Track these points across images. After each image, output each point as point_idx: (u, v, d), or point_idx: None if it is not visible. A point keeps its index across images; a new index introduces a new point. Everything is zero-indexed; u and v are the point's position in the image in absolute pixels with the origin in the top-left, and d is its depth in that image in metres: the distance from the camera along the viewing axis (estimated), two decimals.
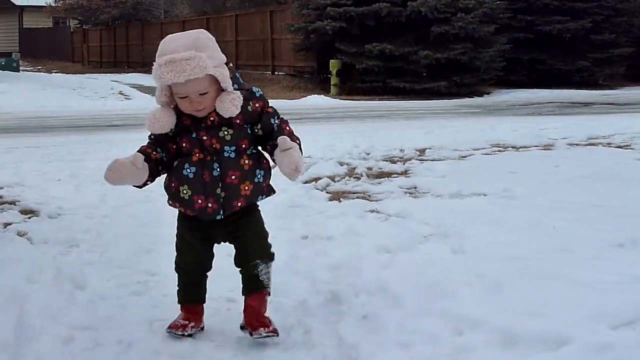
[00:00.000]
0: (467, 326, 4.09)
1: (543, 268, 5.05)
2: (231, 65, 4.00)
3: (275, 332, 4.08)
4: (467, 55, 26.76)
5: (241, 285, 4.21)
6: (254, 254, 4.13)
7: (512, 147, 11.83)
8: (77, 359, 3.87)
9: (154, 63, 3.78)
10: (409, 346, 3.93)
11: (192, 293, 4.23)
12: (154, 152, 4.00)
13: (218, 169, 3.93)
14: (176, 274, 4.25)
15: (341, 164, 9.93)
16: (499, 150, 11.54)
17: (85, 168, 9.71)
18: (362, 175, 9.13)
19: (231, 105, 3.84)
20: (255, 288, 4.14)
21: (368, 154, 10.94)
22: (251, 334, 4.07)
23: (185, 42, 3.81)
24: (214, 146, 3.93)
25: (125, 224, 6.69)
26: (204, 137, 3.93)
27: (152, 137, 4.05)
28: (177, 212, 4.19)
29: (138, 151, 4.00)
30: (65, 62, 50.75)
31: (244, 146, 3.99)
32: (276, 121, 4.06)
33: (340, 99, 25.53)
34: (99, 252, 5.82)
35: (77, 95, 26.06)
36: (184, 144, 3.97)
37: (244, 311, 4.17)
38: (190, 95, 3.81)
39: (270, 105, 4.09)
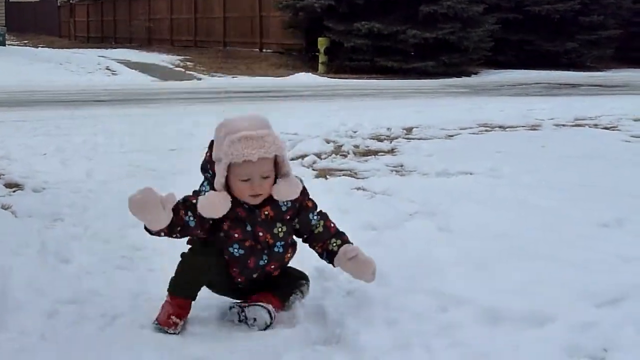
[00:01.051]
0: (453, 304, 4.09)
1: (529, 247, 5.07)
2: None
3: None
4: (456, 35, 26.73)
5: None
6: (296, 284, 4.23)
7: (500, 127, 11.86)
8: (61, 333, 3.85)
9: (227, 140, 3.69)
10: (395, 323, 3.92)
11: (192, 289, 4.06)
12: (184, 214, 3.87)
13: (265, 260, 4.00)
14: (181, 260, 4.09)
15: (328, 141, 9.92)
16: (486, 130, 11.56)
17: (72, 143, 9.67)
18: (348, 153, 9.13)
19: (295, 188, 3.92)
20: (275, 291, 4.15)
21: (355, 132, 10.94)
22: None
23: (256, 121, 3.80)
24: (267, 241, 3.97)
25: (111, 199, 6.65)
26: (260, 234, 3.95)
27: (190, 203, 3.89)
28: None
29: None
30: (52, 36, 50.46)
31: (290, 240, 4.09)
32: (315, 217, 4.13)
33: (328, 77, 25.50)
34: (84, 226, 5.79)
35: (63, 70, 25.93)
36: (236, 235, 3.92)
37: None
38: (253, 178, 3.77)
39: (309, 198, 4.13)
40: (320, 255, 4.19)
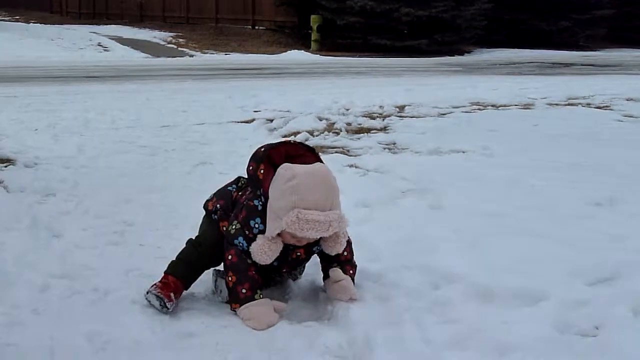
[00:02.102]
0: (445, 281, 4.10)
1: (521, 225, 5.08)
2: None
3: None
4: (449, 14, 26.67)
5: None
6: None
7: (492, 106, 11.85)
8: (53, 307, 3.85)
9: (294, 213, 3.60)
10: (386, 300, 3.93)
11: (193, 274, 4.04)
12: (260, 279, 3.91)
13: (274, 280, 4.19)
14: (192, 248, 4.05)
15: (320, 119, 9.90)
16: (479, 109, 11.54)
17: (63, 119, 9.63)
18: (341, 131, 9.11)
19: (344, 243, 3.92)
20: None
21: (347, 109, 10.91)
22: None
23: (330, 194, 3.71)
24: (285, 273, 4.13)
25: (103, 175, 6.65)
26: (284, 270, 4.05)
27: (248, 250, 3.82)
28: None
29: (252, 286, 3.83)
30: (44, 12, 50.12)
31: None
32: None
33: (320, 54, 25.44)
34: (76, 201, 5.77)
35: (55, 45, 25.79)
36: (259, 265, 3.87)
37: None
38: (303, 240, 3.79)
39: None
40: (323, 269, 4.11)
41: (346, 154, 7.73)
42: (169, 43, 29.05)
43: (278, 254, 3.79)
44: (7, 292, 3.95)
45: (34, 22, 38.15)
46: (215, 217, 4.07)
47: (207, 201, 4.18)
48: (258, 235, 3.77)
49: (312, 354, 3.44)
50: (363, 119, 10.06)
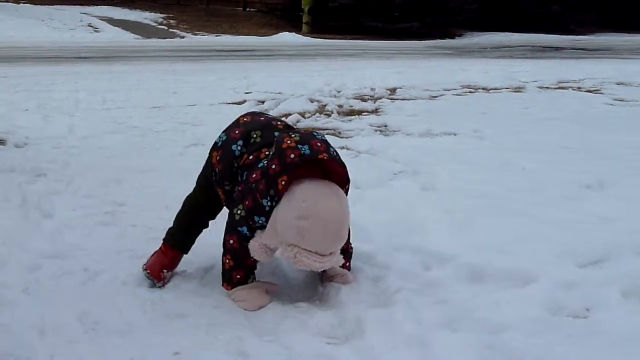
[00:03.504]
0: (436, 262, 4.11)
1: (512, 207, 5.09)
2: None
3: None
4: None
5: None
6: None
7: (483, 89, 11.86)
8: (43, 286, 3.84)
9: (290, 248, 3.47)
10: (378, 280, 3.94)
11: (190, 239, 4.07)
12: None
13: None
14: (183, 209, 4.09)
15: (312, 100, 9.89)
16: (470, 92, 11.55)
17: (53, 99, 9.59)
18: (332, 113, 9.10)
19: (341, 261, 3.70)
20: None
21: (339, 91, 10.91)
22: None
23: (336, 243, 3.51)
24: None
25: (94, 155, 6.63)
26: None
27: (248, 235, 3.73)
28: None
29: (249, 271, 3.83)
30: None
31: None
32: None
33: (311, 37, 25.37)
34: (66, 181, 5.76)
35: (45, 26, 25.62)
36: None
37: None
38: None
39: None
40: None
41: (338, 136, 7.73)
42: (159, 24, 28.92)
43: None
44: None
45: (23, 3, 37.85)
46: (214, 177, 3.90)
47: (213, 150, 3.92)
48: (257, 232, 3.68)
49: (304, 334, 3.45)
50: (354, 101, 10.06)
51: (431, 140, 7.56)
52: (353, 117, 8.94)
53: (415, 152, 6.79)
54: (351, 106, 9.71)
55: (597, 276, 3.92)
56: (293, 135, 3.61)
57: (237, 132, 3.87)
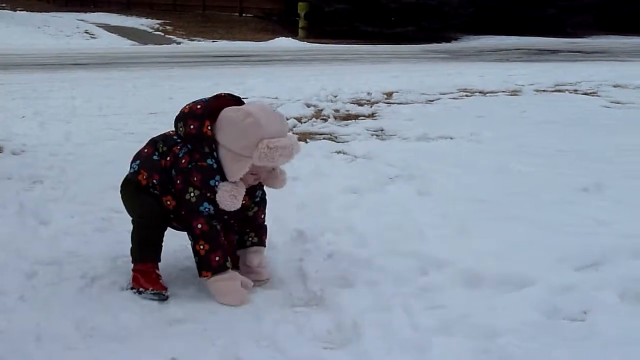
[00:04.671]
0: (433, 266, 4.11)
1: (508, 211, 5.09)
2: None
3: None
4: (436, 1, 26.66)
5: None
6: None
7: (480, 92, 11.87)
8: (40, 293, 3.84)
9: (263, 145, 3.64)
10: (375, 285, 3.94)
11: (158, 248, 4.02)
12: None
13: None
14: (144, 228, 3.99)
15: (308, 105, 9.90)
16: (466, 95, 11.56)
17: (50, 106, 9.60)
18: (329, 117, 9.11)
19: (285, 179, 3.99)
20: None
21: (335, 96, 10.91)
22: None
23: (283, 121, 3.88)
24: (233, 225, 4.08)
25: (90, 162, 6.63)
26: (232, 221, 4.02)
27: (214, 214, 3.83)
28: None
29: (224, 254, 3.83)
30: None
31: None
32: (257, 198, 4.14)
33: (308, 41, 25.38)
34: (63, 188, 5.76)
35: (42, 33, 25.65)
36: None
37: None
38: (263, 173, 3.87)
39: None
40: (239, 233, 4.16)
41: (334, 141, 7.73)
42: (156, 30, 28.95)
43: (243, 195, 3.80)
44: None
45: (20, 10, 37.89)
46: (156, 192, 3.91)
47: (134, 174, 3.97)
48: (221, 184, 3.74)
49: (300, 339, 3.45)
50: (351, 106, 10.07)
51: (428, 144, 7.57)
52: (349, 121, 8.95)
53: (412, 156, 6.80)
54: (348, 111, 9.72)
55: (594, 279, 3.93)
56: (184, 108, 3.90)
57: (146, 150, 4.03)
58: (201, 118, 3.77)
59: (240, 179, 3.77)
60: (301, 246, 4.52)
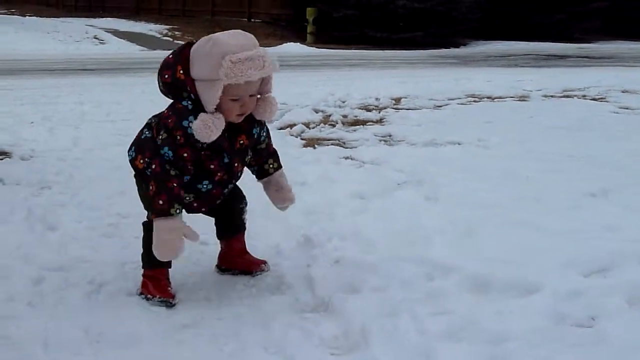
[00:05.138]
0: (440, 272, 4.11)
1: (516, 216, 5.08)
2: None
3: (267, 264, 4.32)
4: (444, 6, 26.65)
5: (219, 231, 4.26)
6: (239, 200, 4.24)
7: (488, 98, 11.85)
8: (48, 299, 3.85)
9: (226, 60, 3.53)
10: (382, 291, 3.94)
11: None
12: (183, 192, 3.76)
13: (230, 187, 4.02)
14: (145, 234, 3.96)
15: (316, 111, 9.90)
16: (474, 101, 11.55)
17: (59, 112, 9.62)
18: (337, 123, 9.12)
19: (276, 107, 3.92)
20: (240, 229, 4.26)
21: (343, 102, 10.91)
22: (254, 272, 4.23)
23: (249, 38, 3.71)
24: (238, 172, 3.97)
25: (98, 167, 6.64)
26: (236, 164, 3.90)
27: (183, 159, 3.71)
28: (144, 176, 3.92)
29: (172, 199, 3.67)
30: (40, 5, 50.04)
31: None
32: (263, 135, 4.08)
33: (316, 47, 25.40)
34: (71, 194, 5.77)
35: (51, 39, 25.70)
36: (212, 166, 3.81)
37: (231, 255, 4.23)
38: (245, 97, 3.69)
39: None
40: (251, 167, 4.14)
41: (342, 146, 7.74)
42: (164, 36, 29.00)
43: (222, 127, 3.66)
44: (2, 285, 3.96)
45: (29, 15, 38.01)
46: (149, 171, 3.79)
47: (132, 160, 3.94)
48: (199, 115, 3.64)
49: (308, 345, 3.45)
50: (359, 111, 10.07)
51: (435, 149, 7.56)
52: (357, 127, 8.95)
53: (420, 161, 6.79)
54: (356, 116, 9.72)
55: (602, 285, 3.92)
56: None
57: (139, 132, 4.06)
58: (174, 65, 3.72)
59: (225, 110, 3.68)
60: (308, 252, 4.52)
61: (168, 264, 3.97)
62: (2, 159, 6.88)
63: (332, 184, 6.04)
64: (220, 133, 3.66)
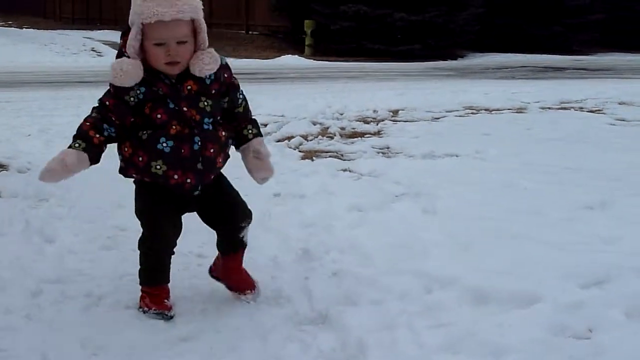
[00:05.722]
0: (438, 284, 4.11)
1: (514, 228, 5.09)
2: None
3: (257, 289, 4.10)
4: (442, 18, 26.67)
5: (217, 243, 4.09)
6: (241, 217, 3.99)
7: (485, 110, 11.87)
8: (45, 311, 3.85)
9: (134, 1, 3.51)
10: (380, 303, 3.94)
11: (163, 274, 3.95)
12: (98, 135, 3.72)
13: (199, 143, 3.68)
14: (145, 252, 3.95)
15: (314, 123, 9.90)
16: (472, 113, 11.56)
17: (55, 124, 9.61)
18: (335, 135, 9.12)
19: (211, 61, 3.64)
20: (237, 248, 4.05)
21: (341, 114, 10.92)
22: (239, 294, 4.06)
23: None
24: (193, 118, 3.66)
25: (96, 179, 6.57)
26: (185, 109, 3.64)
27: (106, 107, 3.72)
28: (134, 183, 3.99)
29: (77, 135, 3.75)
30: (37, 17, 50.08)
31: (218, 117, 3.80)
32: (240, 97, 3.94)
33: (314, 59, 25.40)
34: (69, 206, 5.77)
35: (48, 51, 25.72)
36: (159, 116, 3.62)
37: (225, 269, 4.09)
38: (168, 42, 3.53)
39: (234, 76, 3.91)
40: (230, 135, 3.91)
41: (340, 158, 7.74)
42: None
43: (140, 73, 3.59)
44: (0, 298, 3.95)
45: (27, 27, 38.06)
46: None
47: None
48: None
49: (306, 358, 3.45)
50: (357, 123, 10.07)
51: (433, 161, 7.57)
52: (355, 139, 8.96)
53: (418, 174, 6.80)
54: (353, 128, 9.72)
55: (600, 297, 3.92)
56: None
57: None
58: (121, 37, 3.73)
59: (151, 56, 3.60)
60: (306, 264, 4.52)
61: (165, 280, 3.94)
62: None
63: (330, 196, 6.04)
64: (136, 78, 3.60)
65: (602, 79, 18.75)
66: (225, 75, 3.81)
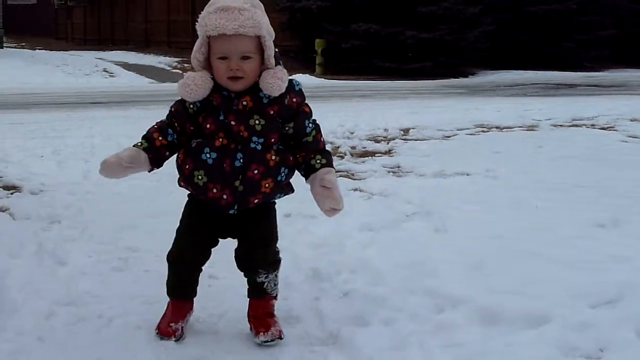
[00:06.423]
0: (449, 304, 4.11)
1: (525, 247, 5.09)
2: (276, 50, 3.66)
3: (279, 335, 3.82)
4: (453, 36, 26.72)
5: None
6: (258, 261, 3.88)
7: (496, 128, 11.87)
8: (58, 334, 3.86)
9: (203, 12, 3.52)
10: (391, 323, 3.94)
11: (185, 287, 3.97)
12: (161, 138, 3.77)
13: (241, 160, 3.58)
14: (168, 264, 3.97)
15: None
16: (483, 131, 11.57)
17: (68, 145, 9.65)
18: (345, 154, 9.14)
19: (278, 80, 3.57)
20: (257, 294, 3.92)
21: (352, 133, 10.94)
22: (255, 335, 3.86)
23: None
24: (241, 134, 3.57)
25: (108, 201, 6.66)
26: (232, 122, 3.57)
27: (171, 113, 3.78)
28: (187, 196, 3.99)
29: (143, 136, 3.83)
30: (49, 38, 50.43)
31: (272, 140, 3.65)
32: (310, 125, 3.76)
33: (325, 78, 25.46)
34: (81, 228, 5.79)
35: (60, 72, 25.85)
36: (208, 125, 3.61)
37: (249, 314, 3.96)
38: (231, 56, 3.51)
39: (307, 103, 3.78)
40: (298, 165, 3.80)
41: (351, 178, 7.75)
42: (174, 68, 29.16)
43: (208, 86, 3.58)
44: (13, 320, 3.97)
45: (39, 49, 38.25)
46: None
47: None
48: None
49: None
50: (367, 142, 10.09)
51: (444, 180, 7.57)
52: (366, 158, 8.98)
53: (429, 193, 6.81)
54: (364, 147, 9.75)
55: (611, 316, 3.91)
56: None
57: None
58: None
59: (214, 69, 3.59)
60: (317, 285, 4.52)
61: (178, 295, 3.95)
62: (12, 193, 6.91)
63: (340, 216, 5.94)
64: (204, 92, 3.59)
65: (614, 95, 18.74)
66: (294, 100, 3.71)
